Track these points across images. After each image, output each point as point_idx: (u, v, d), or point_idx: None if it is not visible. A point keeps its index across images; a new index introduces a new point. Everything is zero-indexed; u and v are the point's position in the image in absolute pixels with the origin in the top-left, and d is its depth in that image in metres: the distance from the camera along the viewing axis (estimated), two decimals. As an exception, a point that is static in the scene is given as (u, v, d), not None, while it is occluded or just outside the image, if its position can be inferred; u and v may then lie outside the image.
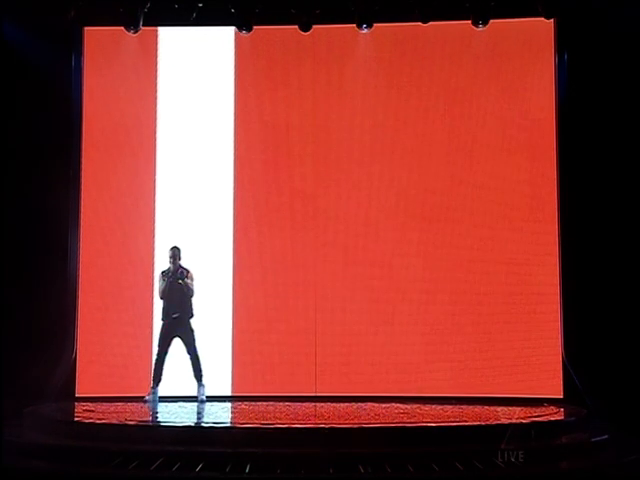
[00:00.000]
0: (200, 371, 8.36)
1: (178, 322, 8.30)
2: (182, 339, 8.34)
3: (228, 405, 8.30)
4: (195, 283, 8.38)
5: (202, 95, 9.17)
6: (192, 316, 8.36)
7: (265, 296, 8.95)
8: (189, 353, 8.33)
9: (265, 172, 9.05)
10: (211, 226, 9.03)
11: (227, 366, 8.86)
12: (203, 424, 7.11)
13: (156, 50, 9.16)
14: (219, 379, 8.72)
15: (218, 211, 9.05)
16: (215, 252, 8.98)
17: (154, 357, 8.36)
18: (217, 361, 8.74)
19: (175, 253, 8.36)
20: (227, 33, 9.15)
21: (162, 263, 8.71)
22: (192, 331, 8.35)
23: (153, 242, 9.01)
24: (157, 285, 8.42)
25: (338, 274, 8.91)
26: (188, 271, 8.37)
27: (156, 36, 9.13)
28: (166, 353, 8.33)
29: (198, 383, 8.35)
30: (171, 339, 8.34)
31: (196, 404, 8.13)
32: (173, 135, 9.11)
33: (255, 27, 8.91)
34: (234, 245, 8.99)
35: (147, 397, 8.25)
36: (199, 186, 9.10)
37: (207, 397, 8.28)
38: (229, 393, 8.78)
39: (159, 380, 8.31)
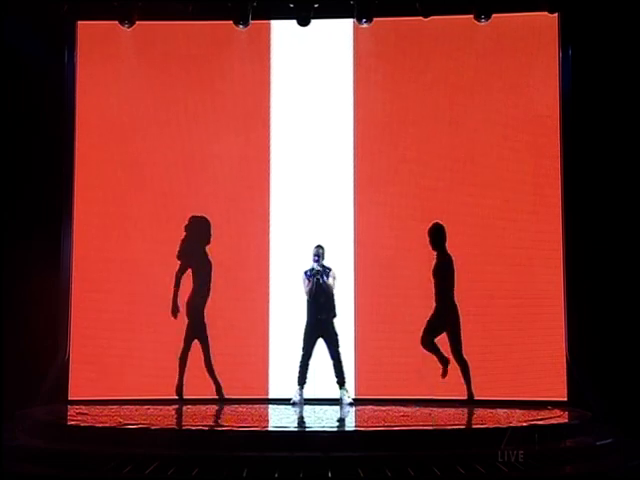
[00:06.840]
0: (342, 375, 8.26)
1: (323, 323, 8.25)
2: (325, 341, 8.28)
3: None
4: (336, 282, 8.33)
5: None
6: (335, 316, 8.29)
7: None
8: (332, 356, 8.25)
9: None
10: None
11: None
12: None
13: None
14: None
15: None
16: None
17: (299, 358, 8.28)
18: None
19: (319, 252, 8.27)
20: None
21: (161, 263, 8.66)
22: (336, 334, 8.30)
23: (149, 242, 8.86)
24: (302, 285, 8.30)
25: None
26: (330, 269, 8.30)
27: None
28: (311, 354, 8.27)
29: (340, 387, 8.25)
30: (316, 340, 8.28)
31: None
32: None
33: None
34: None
35: (294, 399, 8.19)
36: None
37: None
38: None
39: (304, 382, 8.24)
